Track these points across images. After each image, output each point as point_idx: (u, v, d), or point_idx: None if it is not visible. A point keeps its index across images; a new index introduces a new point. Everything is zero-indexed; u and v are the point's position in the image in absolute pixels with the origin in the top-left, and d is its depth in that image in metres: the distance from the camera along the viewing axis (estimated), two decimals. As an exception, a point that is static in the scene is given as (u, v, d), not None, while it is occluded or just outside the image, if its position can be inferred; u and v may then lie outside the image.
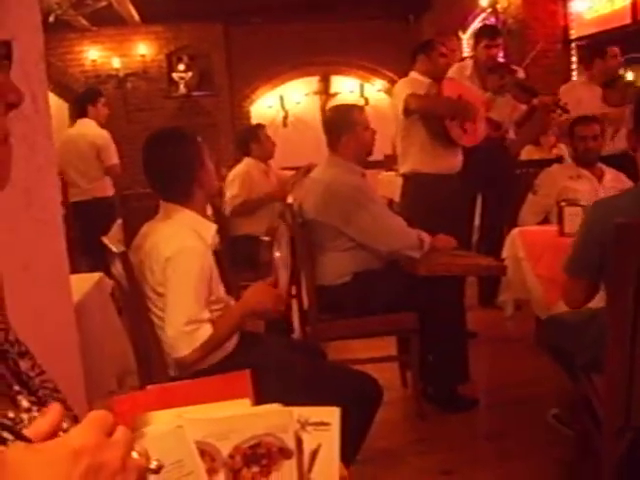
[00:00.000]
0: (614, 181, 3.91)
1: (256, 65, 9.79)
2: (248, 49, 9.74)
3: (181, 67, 9.70)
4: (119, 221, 5.21)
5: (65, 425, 0.64)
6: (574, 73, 7.19)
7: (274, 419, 0.91)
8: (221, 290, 2.32)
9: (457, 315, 3.31)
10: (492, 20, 8.12)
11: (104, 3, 6.41)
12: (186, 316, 2.12)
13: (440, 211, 4.23)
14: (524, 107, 5.18)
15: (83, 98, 5.97)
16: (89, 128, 5.75)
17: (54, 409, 0.63)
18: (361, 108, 3.50)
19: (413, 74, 4.59)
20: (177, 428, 0.84)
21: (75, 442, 0.57)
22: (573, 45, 7.10)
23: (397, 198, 6.18)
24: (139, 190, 6.14)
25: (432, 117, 4.39)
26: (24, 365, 0.76)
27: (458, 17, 8.56)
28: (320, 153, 7.79)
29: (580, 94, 4.85)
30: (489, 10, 7.81)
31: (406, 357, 3.46)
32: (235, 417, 0.90)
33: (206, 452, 0.88)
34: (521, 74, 5.57)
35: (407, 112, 4.35)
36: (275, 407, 0.95)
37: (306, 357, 2.48)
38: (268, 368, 2.10)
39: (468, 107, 4.52)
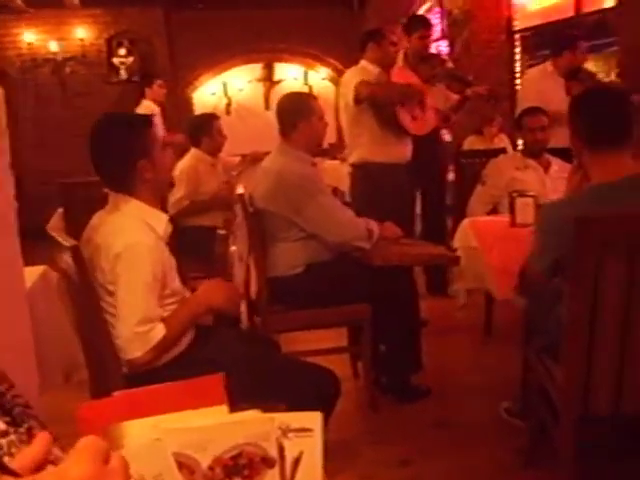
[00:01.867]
0: (560, 171, 3.95)
1: (199, 51, 9.64)
2: (191, 35, 9.58)
3: (122, 52, 9.49)
4: (60, 210, 5.04)
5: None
6: (517, 64, 7.29)
7: (255, 427, 0.86)
8: (176, 282, 2.24)
9: (411, 304, 3.31)
10: (437, 10, 8.17)
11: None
12: (138, 316, 2.04)
13: (388, 200, 4.23)
14: (456, 97, 5.22)
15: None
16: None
17: (42, 438, 0.57)
18: (316, 98, 3.46)
19: (363, 62, 4.56)
20: (155, 441, 0.78)
21: (73, 474, 0.52)
22: (517, 36, 7.18)
23: (342, 187, 6.20)
24: (79, 178, 5.98)
25: (383, 104, 4.37)
26: None
27: (402, 5, 8.57)
28: (263, 141, 7.74)
29: (543, 85, 4.88)
30: (434, -1, 7.84)
31: (358, 348, 3.44)
32: (214, 426, 0.85)
33: (184, 464, 0.82)
34: (450, 64, 5.64)
35: (358, 100, 4.32)
36: (254, 414, 0.90)
37: (261, 350, 2.43)
38: (224, 364, 2.04)
39: (418, 91, 4.52)
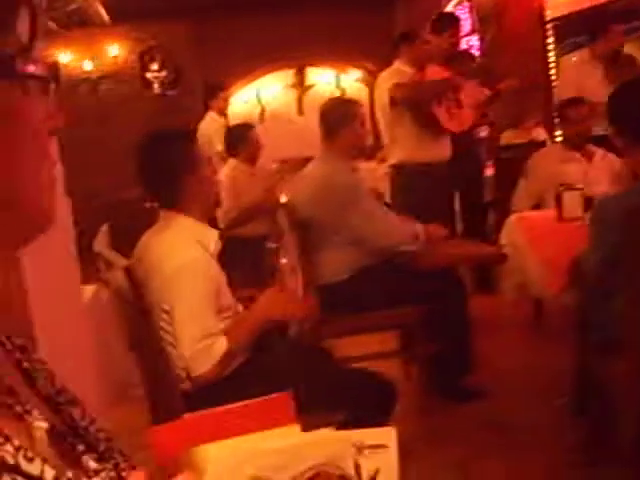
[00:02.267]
0: (603, 161, 3.90)
1: (230, 60, 9.67)
2: (220, 44, 9.62)
3: (154, 66, 9.57)
4: (104, 227, 5.12)
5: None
6: (551, 54, 7.18)
7: (332, 446, 0.85)
8: (229, 297, 2.25)
9: (460, 304, 3.28)
10: (466, 5, 8.10)
11: (74, 6, 6.28)
12: (199, 332, 2.05)
13: (429, 200, 4.21)
14: (488, 92, 5.17)
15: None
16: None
17: (138, 478, 0.57)
18: (359, 104, 3.45)
19: (397, 64, 4.55)
20: (237, 464, 0.79)
21: None
22: (549, 26, 7.07)
23: (380, 188, 6.18)
24: (123, 194, 6.07)
25: (419, 104, 4.35)
26: (77, 415, 0.70)
27: (431, 3, 8.51)
28: (298, 146, 7.74)
29: (582, 73, 4.80)
30: (463, -5, 7.77)
31: (409, 350, 3.42)
32: (291, 447, 0.84)
33: (263, 487, 0.83)
34: (479, 60, 5.60)
35: (393, 102, 4.31)
36: (329, 433, 0.90)
37: (315, 360, 2.44)
38: (282, 376, 2.06)
39: (453, 82, 4.49)
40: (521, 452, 2.83)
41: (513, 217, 3.51)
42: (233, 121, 9.61)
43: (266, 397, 1.05)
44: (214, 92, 7.04)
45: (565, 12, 6.90)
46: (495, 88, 5.19)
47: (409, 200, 4.33)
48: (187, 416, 1.05)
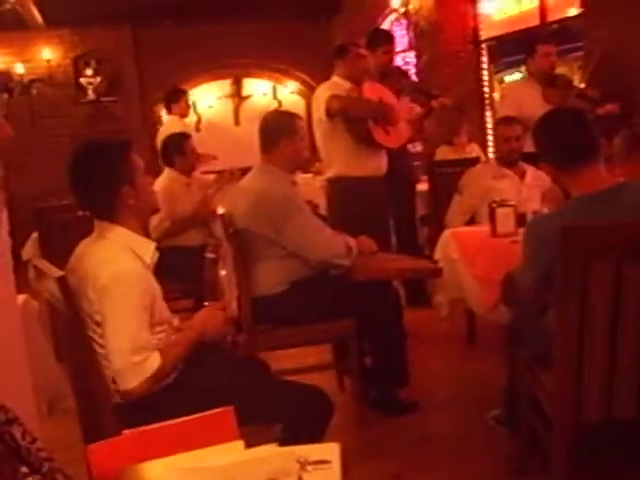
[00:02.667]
0: (535, 179, 4.00)
1: (167, 68, 9.57)
2: (158, 52, 9.52)
3: (89, 72, 9.40)
4: (34, 235, 4.97)
5: None
6: (484, 72, 7.37)
7: (275, 462, 0.85)
8: (164, 310, 2.22)
9: (396, 317, 3.31)
10: (403, 22, 8.23)
11: (7, 6, 6.12)
12: (131, 345, 2.01)
13: (365, 214, 4.24)
14: (419, 109, 5.26)
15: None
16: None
17: None
18: (299, 117, 3.45)
19: (334, 78, 4.59)
20: (180, 484, 0.77)
21: None
22: (483, 46, 7.26)
23: (316, 200, 6.20)
24: (53, 202, 5.92)
25: (355, 119, 4.39)
26: (18, 435, 0.67)
27: (368, 18, 8.63)
28: (235, 156, 7.70)
29: (523, 93, 4.93)
30: (401, 11, 7.89)
31: (344, 363, 3.43)
32: (235, 465, 0.83)
33: (207, 504, 0.81)
34: (413, 78, 5.71)
35: (330, 114, 4.33)
36: (272, 449, 0.89)
37: (252, 373, 2.42)
38: (219, 389, 2.04)
39: (389, 108, 4.55)
40: (456, 463, 2.87)
41: (447, 232, 3.58)
42: (170, 130, 9.52)
43: (207, 413, 1.04)
44: (176, 95, 6.73)
45: (499, 33, 7.11)
46: (428, 105, 5.29)
47: (344, 213, 4.36)
48: (126, 432, 1.03)
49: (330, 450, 0.86)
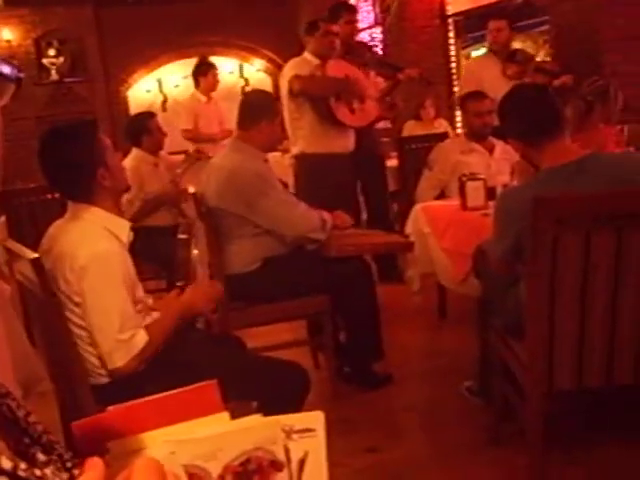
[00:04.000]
0: (504, 153, 4.04)
1: (131, 48, 9.44)
2: (122, 31, 9.36)
3: (51, 52, 9.22)
4: (2, 218, 4.89)
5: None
6: (452, 48, 7.39)
7: (261, 432, 0.86)
8: (140, 290, 2.22)
9: (368, 292, 3.33)
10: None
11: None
12: (117, 323, 2.01)
13: (332, 190, 4.26)
14: (384, 83, 5.27)
15: None
16: None
17: (96, 465, 0.56)
18: (279, 102, 3.45)
19: (305, 54, 4.59)
20: (170, 454, 0.78)
21: None
22: (450, 21, 7.27)
23: (284, 178, 6.19)
24: (19, 186, 5.83)
25: (317, 98, 4.41)
26: (13, 406, 0.67)
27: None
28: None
29: (481, 69, 4.96)
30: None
31: (319, 339, 3.46)
32: (222, 434, 0.84)
33: (195, 475, 0.82)
34: (378, 51, 5.70)
35: (292, 93, 4.35)
36: (258, 418, 0.90)
37: (230, 349, 2.43)
38: (199, 365, 2.05)
39: (352, 84, 4.55)
40: (432, 434, 2.92)
41: (418, 207, 3.60)
42: (134, 110, 9.41)
43: (191, 386, 1.05)
44: (204, 69, 6.35)
45: (465, 8, 7.11)
46: (394, 78, 5.29)
47: (313, 190, 4.36)
48: (111, 409, 1.03)
49: (315, 418, 0.87)
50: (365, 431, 2.98)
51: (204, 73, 6.31)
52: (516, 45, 6.21)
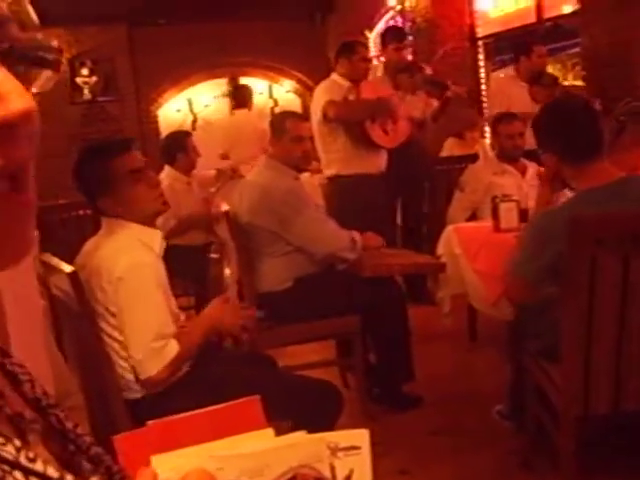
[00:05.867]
0: (536, 175, 4.01)
1: (162, 68, 9.56)
2: (154, 51, 9.49)
3: (84, 72, 9.36)
4: (35, 233, 4.94)
5: None
6: (481, 70, 7.38)
7: (307, 449, 0.85)
8: (173, 304, 2.22)
9: (399, 313, 3.31)
10: (399, 19, 8.23)
11: (4, 6, 6.08)
12: (152, 332, 2.02)
13: (365, 210, 4.26)
14: (436, 102, 5.27)
15: None
16: None
17: (148, 475, 0.55)
18: (297, 119, 3.45)
19: (334, 76, 4.60)
20: (218, 470, 0.77)
21: None
22: (480, 43, 7.27)
23: (315, 198, 6.20)
24: (51, 202, 5.90)
25: (353, 122, 4.42)
26: (62, 417, 0.67)
27: (364, 16, 8.62)
28: (230, 156, 7.69)
29: (509, 90, 4.95)
30: (398, 8, 7.89)
31: (348, 359, 3.43)
32: (268, 451, 0.83)
33: (242, 491, 0.81)
34: (429, 71, 5.70)
35: (327, 119, 4.36)
36: (303, 435, 0.89)
37: (261, 368, 2.42)
38: (231, 384, 2.04)
39: (387, 106, 4.56)
40: (462, 458, 2.87)
41: (450, 227, 3.57)
42: (165, 129, 9.51)
43: (234, 402, 1.04)
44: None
45: (495, 30, 7.11)
46: (444, 97, 5.29)
47: (345, 211, 4.36)
48: (151, 423, 1.02)
49: (360, 436, 0.86)
50: (395, 453, 2.94)
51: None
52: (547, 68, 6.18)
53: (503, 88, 5.27)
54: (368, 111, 4.48)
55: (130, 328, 2.03)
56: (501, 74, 7.07)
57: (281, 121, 3.36)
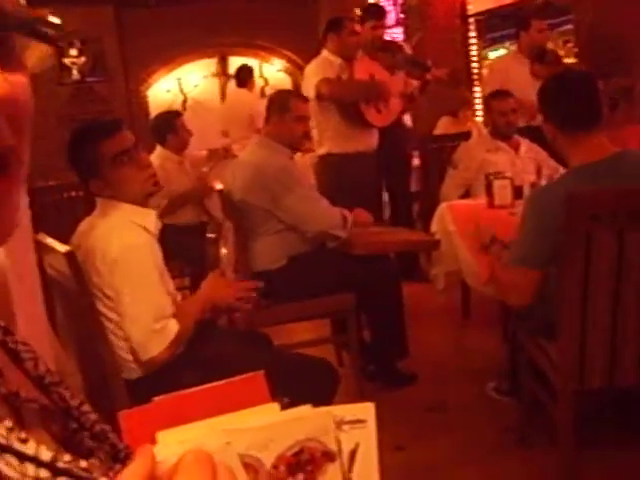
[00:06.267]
0: (529, 152, 4.01)
1: (152, 48, 9.45)
2: (142, 31, 9.39)
3: (73, 52, 9.27)
4: (28, 213, 4.91)
5: None
6: (473, 48, 7.34)
7: (314, 422, 0.85)
8: (171, 284, 2.22)
9: (395, 291, 3.32)
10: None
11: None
12: (152, 313, 2.02)
13: (355, 189, 4.25)
14: (416, 83, 5.26)
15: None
16: None
17: (146, 452, 0.54)
18: (301, 99, 3.44)
19: (324, 53, 4.57)
20: (226, 445, 0.77)
21: None
22: (471, 20, 7.23)
23: (308, 177, 6.18)
24: (43, 182, 5.88)
25: (347, 103, 4.41)
26: (67, 395, 0.67)
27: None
28: (221, 136, 7.65)
29: (510, 69, 4.91)
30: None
31: (343, 337, 3.45)
32: (275, 424, 0.83)
33: (249, 465, 0.81)
34: (408, 50, 5.68)
35: (320, 97, 4.34)
36: (309, 409, 0.89)
37: (257, 345, 2.43)
38: (228, 362, 2.04)
39: (381, 87, 4.54)
40: (458, 433, 2.90)
41: (443, 205, 3.57)
42: (154, 110, 9.43)
43: (238, 377, 1.04)
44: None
45: (487, 7, 7.07)
46: (423, 78, 5.27)
47: (336, 188, 4.35)
48: (157, 399, 1.02)
49: (366, 410, 0.86)
50: (391, 429, 2.95)
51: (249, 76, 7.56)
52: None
53: (501, 67, 5.22)
54: (362, 93, 4.47)
55: (130, 310, 2.02)
56: (499, 52, 7.05)
57: (285, 100, 3.33)
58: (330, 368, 2.32)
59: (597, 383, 2.20)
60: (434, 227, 3.55)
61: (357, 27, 4.68)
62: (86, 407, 0.69)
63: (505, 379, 3.08)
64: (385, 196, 5.36)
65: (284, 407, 1.41)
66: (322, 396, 2.19)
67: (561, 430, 2.26)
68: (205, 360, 2.13)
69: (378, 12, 5.24)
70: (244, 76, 7.69)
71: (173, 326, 2.06)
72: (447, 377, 3.47)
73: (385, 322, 3.31)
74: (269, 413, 0.91)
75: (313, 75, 4.43)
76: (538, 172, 3.48)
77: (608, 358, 2.16)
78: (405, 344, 3.38)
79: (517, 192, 3.28)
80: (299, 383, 2.12)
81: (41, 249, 2.15)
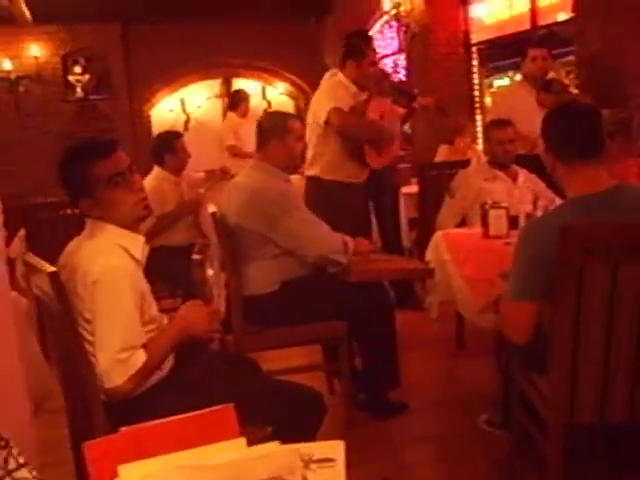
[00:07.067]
0: (527, 182, 4.00)
1: (156, 67, 9.53)
2: (147, 51, 9.47)
3: (77, 69, 9.32)
4: (21, 233, 4.90)
5: None
6: (475, 76, 7.37)
7: (280, 460, 0.83)
8: (153, 308, 2.18)
9: (388, 320, 3.29)
10: (394, 24, 8.23)
11: (-5, 1, 6.05)
12: (119, 343, 1.97)
13: (341, 216, 4.21)
14: (401, 110, 5.26)
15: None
16: None
17: None
18: (298, 119, 3.43)
19: (340, 76, 4.56)
20: (183, 481, 0.75)
21: None
22: (474, 49, 7.26)
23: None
24: (40, 200, 5.87)
25: (353, 139, 4.42)
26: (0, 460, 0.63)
27: (359, 20, 8.61)
28: (222, 157, 7.67)
29: (513, 98, 4.90)
30: (392, 13, 7.89)
31: (335, 365, 3.40)
32: (239, 462, 0.81)
33: (210, 503, 0.79)
34: (394, 78, 5.71)
35: (328, 125, 4.34)
36: (276, 446, 0.87)
37: (243, 371, 2.39)
38: (213, 387, 2.01)
39: (389, 134, 4.57)
40: (447, 465, 2.86)
41: (439, 233, 3.56)
42: (157, 129, 9.46)
43: (207, 410, 1.01)
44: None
45: (489, 37, 7.11)
46: (409, 107, 5.29)
47: (325, 212, 4.33)
48: (124, 430, 0.99)
49: (334, 448, 0.83)
50: (379, 460, 2.92)
51: (242, 101, 7.53)
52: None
53: (506, 96, 5.22)
54: (372, 136, 4.50)
55: (98, 336, 1.98)
56: (504, 81, 7.08)
57: (283, 122, 3.29)
58: (317, 397, 2.28)
59: (588, 418, 2.16)
60: (429, 255, 3.53)
61: (375, 58, 4.68)
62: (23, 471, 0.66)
63: (498, 411, 3.03)
64: (374, 224, 5.37)
65: (266, 437, 1.38)
66: (307, 426, 2.15)
67: (550, 465, 2.21)
68: (189, 384, 2.10)
69: (371, 40, 5.27)
70: (236, 100, 7.80)
71: (139, 357, 2.01)
72: (438, 408, 3.43)
73: (377, 351, 3.27)
74: (235, 449, 0.88)
75: (326, 100, 4.42)
76: (534, 203, 3.46)
77: (599, 393, 2.12)
78: (397, 374, 3.34)
79: (513, 222, 3.26)
80: (284, 411, 2.10)
81: (28, 269, 2.12)
